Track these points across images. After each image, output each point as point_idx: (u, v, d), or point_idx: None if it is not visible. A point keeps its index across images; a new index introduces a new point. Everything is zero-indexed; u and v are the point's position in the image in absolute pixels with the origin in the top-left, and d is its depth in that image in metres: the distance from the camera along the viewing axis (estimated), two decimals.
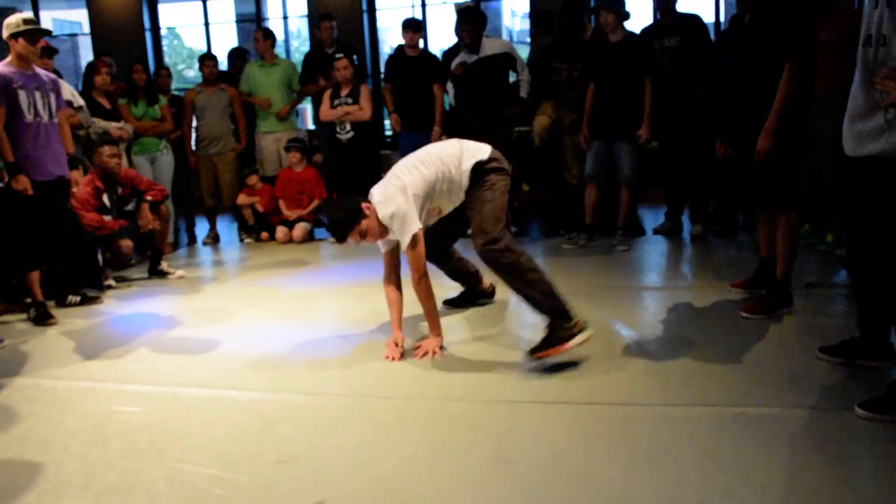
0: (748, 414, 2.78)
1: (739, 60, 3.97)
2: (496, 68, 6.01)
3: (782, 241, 3.92)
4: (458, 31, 6.20)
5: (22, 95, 4.47)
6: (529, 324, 4.05)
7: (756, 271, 4.34)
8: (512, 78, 6.30)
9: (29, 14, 4.70)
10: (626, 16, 5.71)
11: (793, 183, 3.87)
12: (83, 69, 6.57)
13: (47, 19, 12.12)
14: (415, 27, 6.67)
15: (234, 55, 7.83)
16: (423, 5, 9.50)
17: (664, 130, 5.86)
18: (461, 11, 6.30)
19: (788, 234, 3.90)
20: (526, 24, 12.21)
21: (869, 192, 2.79)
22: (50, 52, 5.54)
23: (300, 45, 13.71)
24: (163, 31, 10.46)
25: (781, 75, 3.65)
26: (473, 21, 6.06)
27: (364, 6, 9.39)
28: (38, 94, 4.56)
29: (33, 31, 4.52)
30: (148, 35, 9.97)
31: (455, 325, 4.09)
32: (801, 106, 3.78)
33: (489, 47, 6.06)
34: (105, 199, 5.54)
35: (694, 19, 5.98)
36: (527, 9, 9.65)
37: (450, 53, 6.78)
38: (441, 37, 12.30)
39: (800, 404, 2.85)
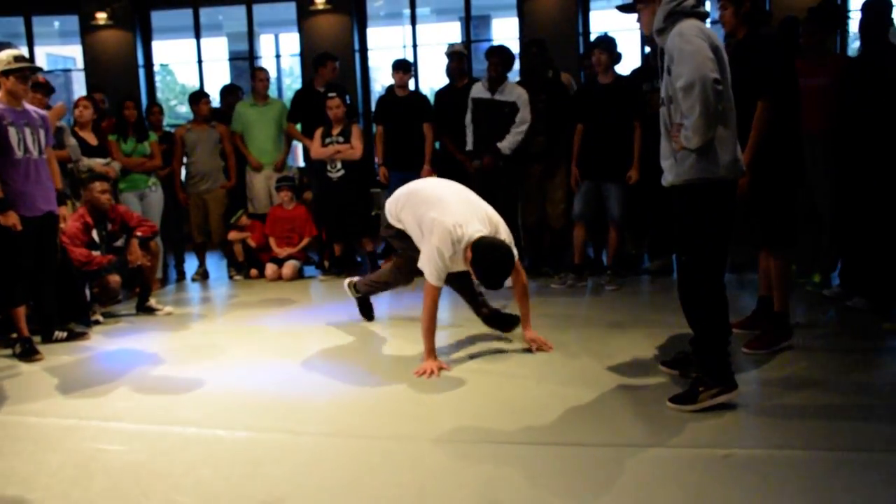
0: (736, 455, 2.78)
1: None
2: (503, 115, 6.02)
3: (776, 276, 4.08)
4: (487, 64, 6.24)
5: (12, 132, 4.48)
6: (520, 361, 4.05)
7: (755, 311, 4.37)
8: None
9: (19, 51, 4.73)
10: (618, 58, 5.82)
11: (785, 223, 4.01)
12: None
13: (42, 54, 12.21)
14: (405, 68, 6.75)
15: (227, 92, 7.88)
16: (415, 46, 9.64)
17: (654, 171, 5.89)
18: (490, 48, 6.37)
19: (781, 270, 4.05)
20: (516, 65, 12.36)
21: (676, 213, 3.38)
22: (47, 89, 5.58)
23: (292, 83, 13.84)
24: (156, 68, 10.55)
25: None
26: (498, 56, 6.10)
27: (356, 46, 9.53)
28: (27, 131, 4.58)
29: (24, 69, 4.55)
30: (141, 71, 10.05)
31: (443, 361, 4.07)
32: (790, 148, 3.90)
33: (506, 92, 6.07)
34: (94, 234, 5.53)
35: None
36: (516, 49, 9.81)
37: (441, 94, 6.86)
38: (431, 77, 12.49)
39: (787, 445, 2.85)
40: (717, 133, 3.18)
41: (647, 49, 6.05)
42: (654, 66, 5.97)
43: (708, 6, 3.43)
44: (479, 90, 6.14)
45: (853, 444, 2.87)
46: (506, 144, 6.03)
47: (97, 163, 6.02)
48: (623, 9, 3.54)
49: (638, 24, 3.49)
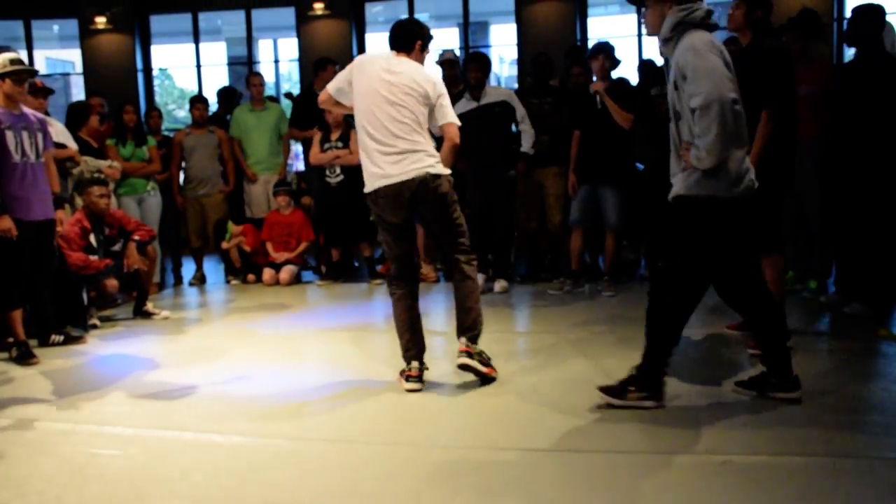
0: (733, 462, 2.77)
1: None
2: (494, 116, 6.06)
3: (771, 282, 3.99)
4: (464, 73, 6.33)
5: (9, 136, 4.48)
6: (518, 367, 4.05)
7: None
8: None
9: (15, 54, 4.71)
10: (617, 63, 5.85)
11: (776, 227, 4.01)
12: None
13: (41, 58, 12.21)
14: None
15: (225, 97, 7.86)
16: None
17: (662, 175, 5.85)
18: (470, 54, 6.43)
19: (775, 275, 4.01)
20: (514, 70, 12.42)
21: (675, 224, 3.32)
22: (45, 92, 5.58)
23: (290, 88, 13.84)
24: (154, 72, 10.55)
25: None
26: (478, 62, 6.16)
27: (355, 51, 9.54)
28: (25, 134, 4.57)
29: (20, 72, 4.55)
30: (140, 75, 10.06)
31: (440, 369, 4.06)
32: (784, 155, 3.92)
33: (491, 95, 6.12)
34: (92, 239, 5.52)
35: None
36: (514, 55, 9.84)
37: None
38: None
39: (785, 451, 2.85)
40: (730, 153, 3.12)
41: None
42: (665, 70, 5.97)
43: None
44: (461, 105, 6.14)
45: (850, 450, 2.86)
46: (527, 145, 6.08)
47: (102, 164, 6.01)
48: (632, 0, 3.45)
49: (642, 22, 3.39)
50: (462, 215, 3.87)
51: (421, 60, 3.92)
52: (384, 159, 3.69)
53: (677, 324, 3.35)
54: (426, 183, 3.66)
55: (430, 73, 3.88)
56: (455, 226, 3.82)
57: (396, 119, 3.70)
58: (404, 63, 3.82)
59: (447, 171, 3.76)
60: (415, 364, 3.77)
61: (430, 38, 3.97)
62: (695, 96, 3.06)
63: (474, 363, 3.71)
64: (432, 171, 3.68)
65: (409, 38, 3.90)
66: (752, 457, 2.82)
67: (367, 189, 3.78)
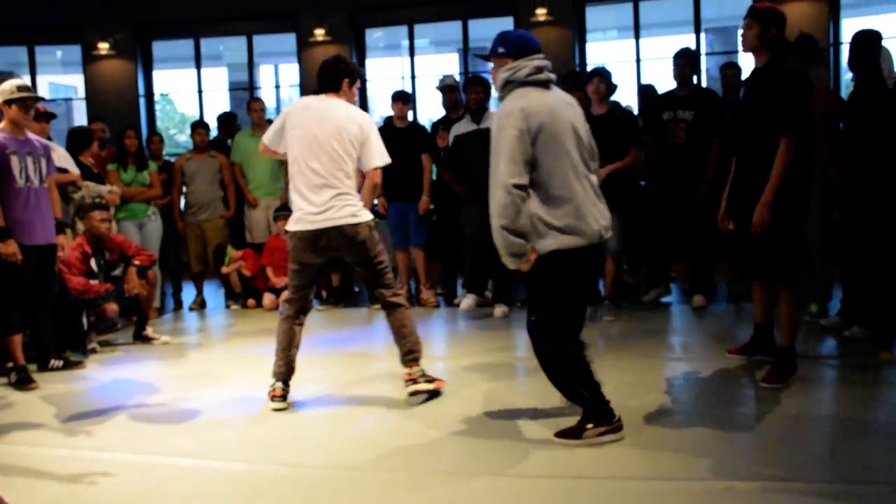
0: (736, 488, 2.76)
1: (737, 135, 4.07)
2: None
3: (785, 311, 3.97)
4: (465, 96, 6.38)
5: (14, 161, 4.50)
6: (518, 393, 4.03)
7: (752, 337, 4.37)
8: None
9: (22, 81, 4.76)
10: (614, 88, 5.88)
11: (793, 257, 3.93)
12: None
13: (44, 83, 12.28)
14: (404, 99, 6.81)
15: (225, 122, 7.90)
16: (413, 77, 9.73)
17: (671, 200, 5.88)
18: (470, 77, 6.48)
19: (790, 306, 3.95)
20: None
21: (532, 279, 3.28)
22: (48, 116, 5.62)
23: None
24: (156, 97, 10.62)
25: (778, 149, 3.74)
26: (479, 84, 6.21)
27: None
28: (29, 160, 4.60)
29: (26, 99, 4.58)
30: (142, 101, 10.12)
31: (442, 395, 4.05)
32: (802, 182, 3.86)
33: (491, 120, 6.15)
34: (92, 263, 5.53)
35: (710, 94, 6.08)
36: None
37: (438, 125, 6.91)
38: (429, 109, 12.60)
39: (787, 478, 2.83)
40: (543, 216, 3.11)
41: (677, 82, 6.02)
42: (680, 96, 5.99)
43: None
44: (462, 126, 6.21)
45: (853, 475, 2.85)
46: None
47: (103, 189, 6.03)
48: (482, 57, 3.44)
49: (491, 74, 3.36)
50: (384, 253, 4.01)
51: (351, 97, 4.02)
52: (307, 206, 3.85)
53: (576, 361, 3.28)
54: (343, 232, 3.83)
55: (357, 112, 3.98)
56: (377, 264, 3.97)
57: (322, 167, 3.84)
58: (333, 107, 3.91)
59: (367, 218, 3.90)
60: (279, 385, 3.91)
61: (357, 73, 4.07)
62: (491, 170, 3.12)
63: (421, 386, 3.89)
64: (352, 220, 3.83)
65: (335, 78, 3.99)
66: (754, 482, 2.81)
67: (288, 227, 3.95)
